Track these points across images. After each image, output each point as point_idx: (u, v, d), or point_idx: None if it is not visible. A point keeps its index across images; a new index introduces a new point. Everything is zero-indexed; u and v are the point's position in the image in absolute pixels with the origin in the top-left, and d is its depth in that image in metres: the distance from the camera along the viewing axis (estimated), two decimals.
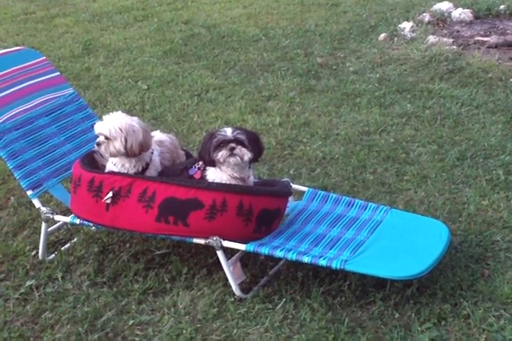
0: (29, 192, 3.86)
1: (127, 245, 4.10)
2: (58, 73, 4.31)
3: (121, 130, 3.55)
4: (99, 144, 3.61)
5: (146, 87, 6.71)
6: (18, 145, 3.89)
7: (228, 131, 3.57)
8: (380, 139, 5.39)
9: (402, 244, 3.63)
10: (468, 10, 9.24)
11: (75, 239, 4.16)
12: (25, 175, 3.85)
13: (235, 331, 3.37)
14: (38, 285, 3.80)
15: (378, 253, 3.54)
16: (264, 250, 3.48)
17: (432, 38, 7.93)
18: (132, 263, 3.92)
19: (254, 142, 3.61)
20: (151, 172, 3.79)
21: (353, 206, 3.98)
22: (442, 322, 3.39)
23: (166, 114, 5.98)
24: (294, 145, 5.33)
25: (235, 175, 3.64)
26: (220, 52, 7.83)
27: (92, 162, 3.85)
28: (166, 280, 3.77)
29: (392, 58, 7.32)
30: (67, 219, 3.83)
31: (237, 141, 3.55)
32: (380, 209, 3.94)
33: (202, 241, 3.55)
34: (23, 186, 3.85)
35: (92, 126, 4.07)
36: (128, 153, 3.58)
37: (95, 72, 7.22)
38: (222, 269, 3.63)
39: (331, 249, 3.58)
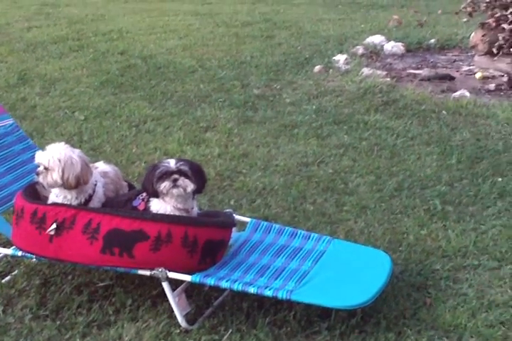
0: None
1: (69, 277, 4.05)
2: None
3: (59, 161, 3.54)
4: (38, 174, 3.58)
5: (83, 117, 6.68)
6: None
7: (171, 163, 3.59)
8: (319, 170, 5.46)
9: (346, 274, 3.68)
10: (400, 43, 9.49)
11: (16, 272, 4.09)
12: None
13: None
14: None
15: (323, 283, 3.58)
16: (210, 281, 3.49)
17: (366, 70, 8.10)
18: (75, 296, 3.87)
19: (197, 173, 3.63)
20: (95, 203, 3.77)
21: (296, 236, 4.02)
22: None
23: (104, 145, 5.95)
24: (234, 176, 5.36)
25: (179, 206, 3.65)
26: (157, 83, 7.86)
27: (35, 193, 3.82)
28: (111, 312, 3.73)
29: (328, 90, 7.44)
30: (9, 251, 3.79)
31: (181, 172, 3.57)
32: (322, 239, 3.99)
33: (147, 273, 3.54)
34: None
35: (33, 157, 4.03)
36: (64, 185, 3.55)
37: (31, 103, 7.16)
38: (166, 300, 3.61)
39: (276, 279, 3.60)
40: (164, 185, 3.57)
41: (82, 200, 3.74)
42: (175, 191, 3.58)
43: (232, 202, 4.91)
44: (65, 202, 3.70)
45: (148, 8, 13.02)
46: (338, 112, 6.80)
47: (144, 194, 3.77)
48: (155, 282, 3.74)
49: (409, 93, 7.27)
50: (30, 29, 10.99)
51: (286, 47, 9.59)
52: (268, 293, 3.42)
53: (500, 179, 5.31)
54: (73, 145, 3.80)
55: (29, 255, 3.74)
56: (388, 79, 7.89)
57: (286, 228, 4.10)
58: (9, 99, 7.21)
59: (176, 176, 3.57)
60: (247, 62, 8.76)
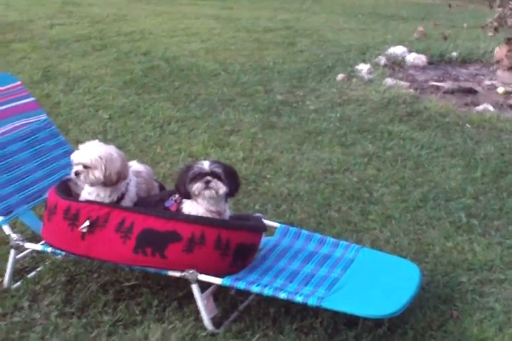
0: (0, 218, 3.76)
1: (95, 275, 4.05)
2: (33, 98, 4.30)
3: (100, 158, 3.54)
4: (77, 174, 3.57)
5: (107, 116, 6.69)
6: None
7: (205, 164, 3.60)
8: (344, 178, 5.45)
9: (376, 283, 3.67)
10: (422, 55, 9.46)
11: (41, 267, 4.10)
12: None
13: None
14: (3, 313, 3.72)
15: (353, 291, 3.57)
16: (240, 285, 3.49)
17: (389, 81, 8.10)
18: (101, 294, 3.87)
19: (230, 176, 3.64)
20: (127, 202, 3.78)
21: (324, 243, 4.02)
22: None
23: (129, 145, 5.96)
24: (259, 180, 5.36)
25: (211, 208, 3.65)
26: (180, 85, 7.86)
27: (67, 190, 3.81)
28: (137, 312, 3.73)
29: (352, 99, 7.44)
30: (39, 246, 3.79)
31: (214, 175, 3.57)
32: (351, 247, 3.99)
33: (177, 274, 3.54)
34: None
35: (64, 153, 4.06)
36: (106, 182, 3.55)
37: (55, 99, 7.17)
38: (193, 302, 3.63)
39: (305, 285, 3.60)
40: (197, 186, 3.58)
41: (115, 199, 3.75)
42: (207, 193, 3.58)
43: (257, 207, 4.91)
44: (98, 200, 3.68)
45: (169, 11, 13.04)
46: (361, 121, 6.79)
47: (177, 195, 3.77)
48: (181, 283, 3.75)
49: (432, 105, 7.26)
50: (53, 27, 11.01)
51: (309, 54, 9.58)
52: (298, 299, 3.42)
53: None
54: None
55: (59, 251, 3.72)
56: (411, 90, 7.89)
57: (315, 234, 4.10)
58: (34, 94, 7.13)
59: (208, 178, 3.58)
60: (270, 67, 8.77)
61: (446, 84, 8.37)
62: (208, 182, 3.58)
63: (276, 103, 7.29)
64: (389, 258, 4.00)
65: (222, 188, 3.59)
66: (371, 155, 5.97)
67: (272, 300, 3.68)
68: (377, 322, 3.61)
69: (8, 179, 3.92)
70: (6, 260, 3.95)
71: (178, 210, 3.72)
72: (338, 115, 6.93)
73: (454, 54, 9.90)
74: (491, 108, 7.31)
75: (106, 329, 3.62)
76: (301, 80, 8.26)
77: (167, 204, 3.79)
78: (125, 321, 3.69)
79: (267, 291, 3.47)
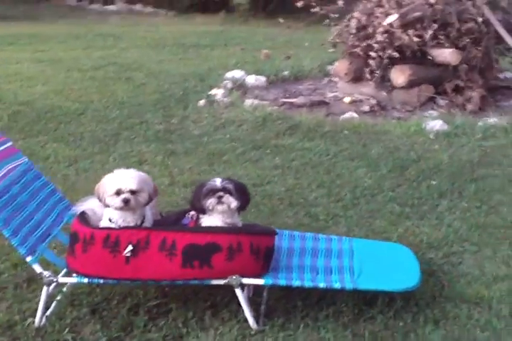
0: (28, 258, 3.91)
1: (114, 302, 4.20)
2: (11, 143, 4.40)
3: (143, 182, 3.82)
4: (127, 201, 3.82)
5: None
6: (5, 213, 3.93)
7: (217, 181, 3.97)
8: (273, 189, 5.93)
9: (385, 264, 4.21)
10: (261, 76, 10.13)
11: (54, 304, 4.14)
12: (21, 242, 3.90)
13: None
14: None
15: (372, 273, 4.08)
16: (282, 282, 3.88)
17: (249, 102, 8.67)
18: (133, 317, 4.04)
19: (241, 191, 4.02)
20: (147, 225, 4.04)
21: (319, 240, 4.49)
22: (440, 324, 3.93)
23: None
24: None
25: (227, 221, 4.03)
26: (56, 126, 7.96)
27: (88, 221, 4.02)
28: (180, 325, 3.96)
29: (228, 120, 7.95)
30: (74, 279, 3.95)
31: (225, 190, 3.95)
32: (343, 240, 4.50)
33: (221, 282, 3.85)
34: (22, 252, 3.90)
35: (51, 192, 4.30)
36: (150, 201, 3.84)
37: None
38: (224, 308, 4.02)
39: (331, 275, 4.05)
40: (210, 202, 3.94)
41: (139, 222, 4.00)
42: (220, 207, 3.96)
43: None
44: (124, 225, 3.94)
45: None
46: (252, 139, 7.30)
47: (191, 213, 4.10)
48: (202, 295, 4.15)
49: (304, 118, 7.93)
50: None
51: (153, 86, 9.95)
52: (336, 285, 3.88)
53: (433, 182, 6.02)
54: None
55: (96, 280, 3.91)
56: (276, 107, 8.49)
57: (307, 233, 4.55)
58: None
59: (220, 193, 3.94)
60: (127, 102, 9.03)
61: (299, 100, 9.06)
62: (220, 197, 3.94)
63: (161, 132, 7.62)
64: (380, 244, 4.54)
65: (234, 202, 3.97)
66: (281, 167, 6.47)
67: (284, 297, 4.11)
68: (391, 299, 4.09)
69: (21, 221, 4.01)
70: (28, 299, 4.14)
71: (197, 226, 4.02)
72: (227, 136, 7.39)
73: (286, 73, 10.63)
74: (356, 115, 8.06)
75: None
76: (167, 110, 8.62)
77: (185, 221, 4.11)
78: (173, 335, 3.90)
79: (308, 283, 3.88)
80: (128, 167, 5.85)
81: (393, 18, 8.33)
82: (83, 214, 4.08)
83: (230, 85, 9.73)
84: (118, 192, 3.86)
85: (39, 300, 4.13)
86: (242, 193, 4.02)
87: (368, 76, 8.70)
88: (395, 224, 5.19)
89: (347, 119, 7.92)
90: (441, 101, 8.72)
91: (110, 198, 3.90)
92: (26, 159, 4.44)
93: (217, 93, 9.20)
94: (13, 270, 4.57)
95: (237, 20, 18.39)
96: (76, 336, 3.92)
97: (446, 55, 8.48)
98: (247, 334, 3.88)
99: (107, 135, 7.56)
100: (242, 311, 3.96)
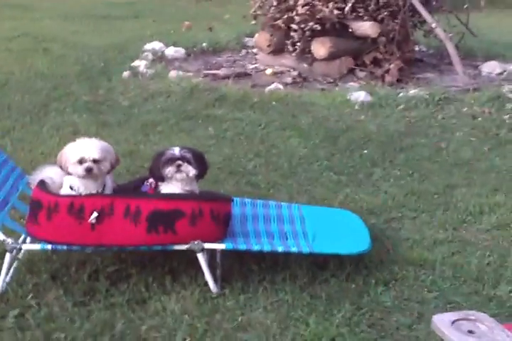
0: None
1: (73, 269, 4.27)
2: None
3: (105, 151, 3.90)
4: (90, 169, 3.89)
5: None
6: None
7: (176, 150, 4.08)
8: (210, 159, 6.00)
9: (336, 229, 4.41)
10: (180, 48, 10.18)
11: (12, 270, 4.15)
12: None
13: (240, 318, 3.83)
14: (18, 315, 3.84)
15: (326, 238, 4.26)
16: (242, 246, 4.03)
17: (173, 73, 8.74)
18: (94, 282, 4.12)
19: (199, 160, 4.14)
20: (107, 192, 4.12)
21: (269, 207, 4.64)
22: (389, 285, 4.17)
23: None
24: (142, 170, 5.73)
25: (186, 188, 4.14)
26: None
27: (48, 189, 4.07)
28: (143, 289, 4.06)
29: (156, 92, 7.99)
30: (37, 246, 4.00)
31: (184, 159, 4.07)
32: (292, 206, 4.67)
33: (184, 247, 3.97)
34: None
35: (3, 163, 4.31)
36: (112, 169, 3.94)
37: None
38: (183, 274, 4.15)
39: (286, 239, 4.22)
40: (169, 170, 4.05)
41: (100, 190, 4.08)
42: (178, 175, 4.07)
43: None
44: (86, 193, 4.01)
45: None
46: (182, 110, 7.38)
47: (150, 180, 4.20)
48: (157, 261, 4.27)
49: (230, 89, 8.05)
50: None
51: (73, 58, 9.87)
52: (294, 249, 4.05)
53: (365, 151, 6.28)
54: None
55: (60, 247, 3.97)
56: (200, 78, 8.59)
57: (258, 201, 4.70)
58: None
59: (179, 162, 4.06)
60: (49, 73, 8.95)
61: (222, 71, 9.17)
62: (179, 165, 4.06)
63: (91, 104, 7.60)
64: (328, 209, 4.74)
65: (192, 171, 4.09)
66: (216, 137, 6.60)
67: (236, 262, 4.28)
68: (342, 262, 4.30)
69: None
70: None
71: (156, 193, 4.14)
72: (158, 106, 7.45)
73: (204, 44, 10.70)
74: (281, 86, 8.24)
75: (125, 309, 3.89)
76: (91, 81, 8.59)
77: (144, 189, 4.20)
78: (136, 299, 3.99)
79: (266, 247, 4.04)
80: (62, 138, 5.95)
81: None
82: (43, 182, 4.09)
83: (150, 57, 9.74)
84: (81, 161, 3.92)
85: None
86: (200, 162, 4.13)
87: (289, 48, 8.86)
88: (334, 192, 5.38)
89: (273, 90, 8.08)
90: (361, 73, 8.94)
91: (73, 166, 3.95)
92: None
93: (140, 64, 9.20)
94: None
95: None
96: (40, 301, 3.95)
97: (365, 27, 8.73)
98: (208, 297, 4.01)
99: (36, 106, 7.49)
100: (201, 276, 4.09)
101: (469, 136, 6.78)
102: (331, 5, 8.51)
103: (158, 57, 9.77)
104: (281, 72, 9.17)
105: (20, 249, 4.04)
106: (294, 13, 8.75)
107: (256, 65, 9.59)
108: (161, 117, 7.08)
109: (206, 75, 8.99)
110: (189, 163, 4.03)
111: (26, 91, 8.03)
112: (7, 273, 4.02)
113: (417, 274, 4.28)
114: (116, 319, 3.81)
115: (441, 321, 3.56)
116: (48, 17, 14.10)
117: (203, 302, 3.96)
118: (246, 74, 9.05)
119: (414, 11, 9.01)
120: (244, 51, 10.61)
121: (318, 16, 8.54)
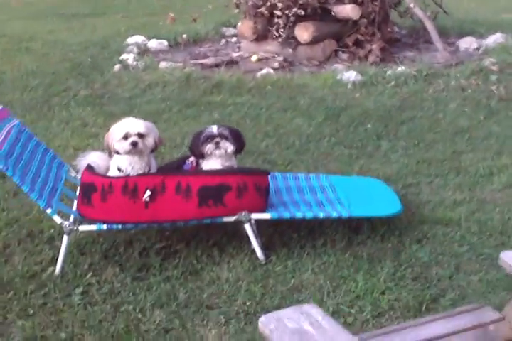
0: (48, 211, 4.14)
1: (121, 249, 4.51)
2: (1, 106, 4.59)
3: (150, 127, 4.15)
4: (135, 143, 4.13)
5: None
6: (18, 171, 4.16)
7: (214, 128, 4.35)
8: None
9: (367, 196, 4.70)
10: (163, 40, 10.39)
11: (63, 255, 4.32)
12: (39, 196, 4.13)
13: (292, 281, 4.12)
14: (84, 291, 4.08)
15: (360, 202, 4.56)
16: (286, 215, 4.30)
17: (163, 64, 8.96)
18: (146, 259, 4.38)
19: (236, 137, 4.41)
20: (152, 171, 4.37)
21: (299, 179, 4.92)
22: (422, 242, 4.49)
23: None
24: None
25: (226, 164, 4.41)
26: None
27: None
28: (194, 262, 4.32)
29: (152, 83, 8.19)
30: (93, 227, 4.23)
31: (222, 136, 4.34)
32: (320, 177, 4.95)
33: (232, 219, 4.24)
34: (42, 205, 4.13)
35: (45, 151, 4.55)
36: (155, 148, 4.18)
37: None
38: (226, 246, 4.44)
39: (324, 206, 4.49)
40: (208, 147, 4.32)
41: (146, 170, 4.33)
42: (217, 152, 4.35)
43: None
44: (133, 173, 4.26)
45: None
46: (182, 98, 7.61)
47: (191, 158, 4.46)
48: (200, 236, 4.53)
49: (223, 76, 8.29)
50: None
51: (58, 55, 9.98)
52: (334, 214, 4.34)
53: (369, 126, 6.59)
54: None
55: (115, 226, 4.22)
56: (192, 68, 8.82)
57: (288, 174, 4.98)
58: None
59: (217, 139, 4.33)
60: (40, 71, 9.08)
61: (209, 60, 9.41)
62: (217, 143, 4.33)
63: (92, 97, 7.79)
64: (354, 177, 5.06)
65: (230, 147, 4.36)
66: (222, 121, 6.80)
67: (274, 232, 4.57)
68: (374, 225, 4.61)
69: (31, 179, 4.21)
70: (38, 252, 4.41)
71: (198, 170, 4.40)
72: (159, 96, 7.68)
73: (184, 36, 10.92)
74: (272, 71, 8.52)
75: (181, 281, 4.15)
76: (85, 76, 8.73)
77: (186, 167, 4.46)
78: (189, 271, 4.25)
79: (308, 214, 4.31)
80: (74, 130, 6.16)
81: None
82: (90, 166, 4.32)
83: (136, 50, 9.90)
84: (126, 136, 4.17)
85: (47, 253, 4.43)
86: (237, 138, 4.39)
87: (275, 34, 9.10)
88: (349, 164, 5.69)
89: (264, 75, 8.33)
90: (343, 55, 9.23)
91: (118, 143, 4.20)
92: (18, 121, 4.58)
93: (128, 58, 9.37)
94: (10, 228, 4.71)
95: None
96: (99, 279, 4.18)
97: (347, 10, 9.03)
98: (256, 264, 4.27)
99: (38, 102, 7.65)
100: (244, 245, 4.40)
101: (462, 106, 7.08)
102: None
103: (143, 50, 9.88)
104: (267, 58, 9.41)
105: (78, 230, 4.18)
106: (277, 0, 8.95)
107: (240, 53, 9.83)
108: (163, 106, 7.29)
109: (194, 65, 9.14)
110: (227, 139, 4.29)
111: (24, 89, 8.16)
112: (66, 255, 4.21)
113: (445, 231, 4.57)
114: (176, 289, 4.06)
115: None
116: (18, 18, 14.13)
117: (253, 270, 4.21)
118: (233, 62, 9.26)
119: None
120: (223, 40, 10.74)
121: (301, 2, 8.73)
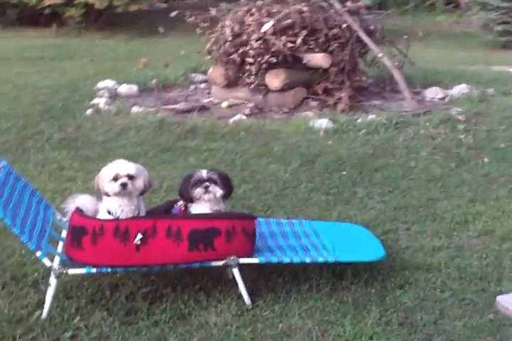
0: (38, 253, 4.15)
1: (107, 293, 4.52)
2: None
3: (140, 169, 4.23)
4: (125, 184, 4.18)
5: None
6: (9, 213, 4.19)
7: (203, 172, 4.44)
8: None
9: (350, 240, 4.79)
10: (133, 85, 10.51)
11: (50, 299, 4.30)
12: (29, 238, 4.15)
13: (280, 325, 4.17)
14: (73, 335, 4.08)
15: (345, 248, 4.65)
16: (274, 259, 4.38)
17: (135, 109, 9.06)
18: (133, 303, 4.40)
19: (225, 181, 4.49)
20: (141, 214, 4.43)
21: (282, 224, 5.01)
22: (405, 288, 4.59)
23: None
24: None
25: (214, 208, 4.50)
26: None
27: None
28: (182, 306, 4.35)
29: (125, 127, 8.25)
30: (83, 270, 4.25)
31: (211, 180, 4.43)
32: (303, 223, 5.04)
33: (220, 263, 4.29)
34: (32, 248, 4.14)
35: (32, 193, 4.59)
36: (145, 190, 4.24)
37: None
38: (213, 291, 4.47)
39: (309, 251, 4.58)
40: (198, 191, 4.41)
41: (136, 212, 4.39)
42: (206, 196, 4.43)
43: None
44: (122, 216, 4.32)
45: None
46: (156, 143, 7.67)
47: (179, 203, 4.54)
48: (186, 281, 4.58)
49: (196, 121, 8.41)
50: None
51: (29, 98, 10.00)
52: (320, 259, 4.42)
53: (343, 172, 6.73)
54: None
55: (105, 269, 4.25)
56: (165, 113, 8.92)
57: (271, 219, 5.07)
58: None
59: (207, 183, 4.42)
60: (11, 114, 9.08)
61: (180, 106, 9.52)
62: (207, 187, 4.42)
63: (65, 140, 7.82)
64: (336, 223, 5.15)
65: (219, 191, 4.44)
66: (197, 166, 6.79)
67: (259, 277, 4.62)
68: (357, 271, 4.69)
69: (21, 220, 4.24)
70: (23, 296, 4.43)
71: (187, 214, 4.48)
72: (133, 140, 7.73)
73: (154, 81, 11.05)
74: (244, 117, 8.66)
75: (170, 325, 4.18)
76: (57, 120, 8.73)
77: (174, 211, 4.54)
78: (177, 316, 4.27)
79: (295, 259, 4.39)
80: (50, 173, 6.18)
81: (269, 25, 8.97)
82: (80, 209, 4.36)
83: (107, 94, 9.97)
84: (116, 178, 4.23)
85: (32, 296, 4.43)
86: (226, 183, 4.47)
87: (246, 80, 9.27)
88: (327, 210, 5.78)
89: (237, 121, 8.45)
90: (313, 103, 9.42)
91: (108, 184, 4.25)
92: (5, 162, 4.60)
93: (100, 102, 9.43)
94: None
95: (71, 33, 18.39)
96: (88, 323, 4.17)
97: (318, 59, 9.25)
98: (244, 309, 4.31)
99: (13, 145, 7.63)
100: (230, 290, 4.46)
101: (433, 155, 7.25)
102: (283, 38, 8.94)
103: (114, 95, 9.96)
104: (237, 105, 9.53)
105: (67, 274, 4.20)
106: (249, 47, 9.13)
107: (210, 99, 9.94)
108: (139, 150, 7.34)
109: (166, 110, 9.24)
110: (216, 184, 4.37)
111: None
112: (53, 298, 4.21)
113: (426, 277, 4.68)
114: (166, 334, 4.08)
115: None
116: None
117: (240, 314, 4.25)
118: (204, 108, 9.36)
119: (359, 42, 9.55)
120: (192, 86, 10.87)
121: (272, 50, 8.92)
